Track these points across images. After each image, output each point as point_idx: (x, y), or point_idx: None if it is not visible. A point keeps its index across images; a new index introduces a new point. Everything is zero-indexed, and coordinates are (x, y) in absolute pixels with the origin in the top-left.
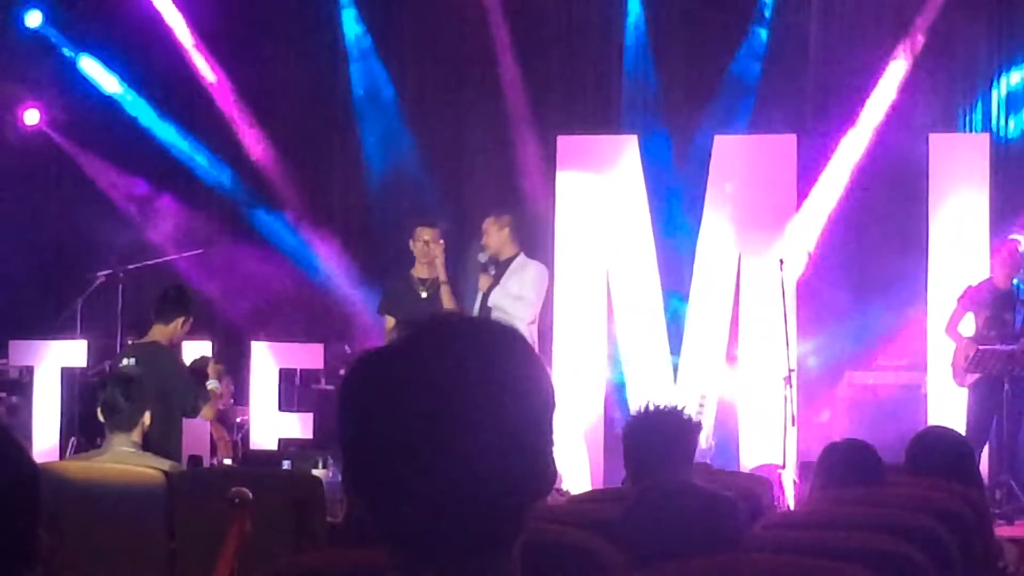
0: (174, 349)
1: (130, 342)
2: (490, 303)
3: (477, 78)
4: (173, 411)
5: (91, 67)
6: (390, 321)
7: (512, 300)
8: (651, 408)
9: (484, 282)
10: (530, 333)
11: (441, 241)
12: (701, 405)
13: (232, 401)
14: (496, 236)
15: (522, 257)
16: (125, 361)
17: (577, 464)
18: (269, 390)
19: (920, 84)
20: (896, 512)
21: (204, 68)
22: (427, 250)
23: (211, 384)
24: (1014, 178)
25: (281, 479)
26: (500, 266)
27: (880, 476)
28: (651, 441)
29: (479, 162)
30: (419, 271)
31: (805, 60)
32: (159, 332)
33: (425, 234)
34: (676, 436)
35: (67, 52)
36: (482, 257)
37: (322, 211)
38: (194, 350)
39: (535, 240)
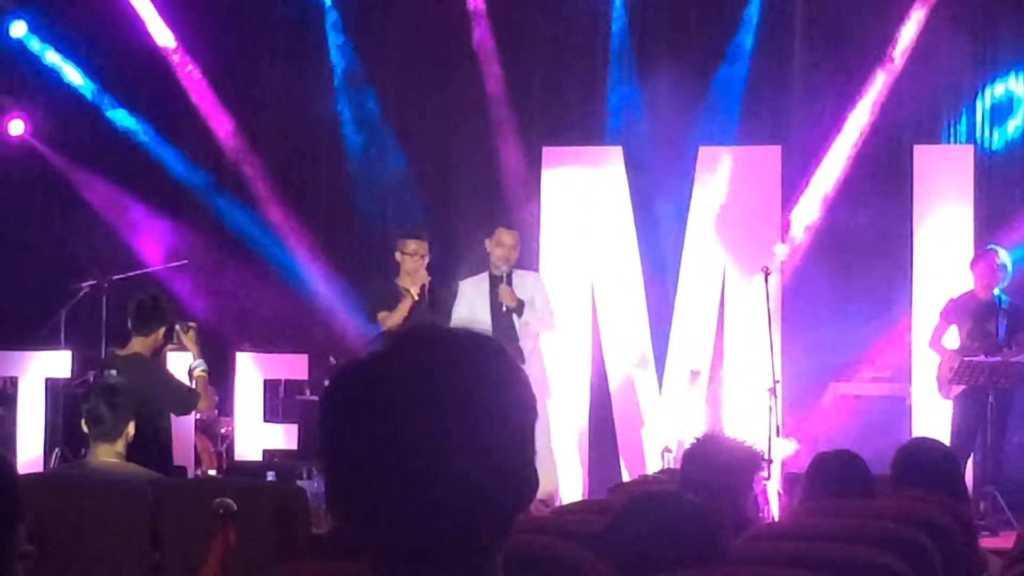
0: (156, 357)
1: (116, 352)
2: (522, 318)
3: (462, 89)
4: (161, 422)
5: (76, 77)
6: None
7: (537, 314)
8: (714, 436)
9: (510, 297)
10: (536, 342)
11: (426, 255)
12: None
13: (216, 412)
14: (517, 248)
15: (516, 270)
16: (108, 374)
17: (561, 475)
18: (254, 401)
19: (904, 95)
20: (880, 524)
21: (189, 78)
22: (414, 262)
23: (197, 368)
24: (998, 189)
25: (265, 490)
26: (507, 280)
27: (869, 488)
28: (715, 469)
29: (464, 173)
30: (404, 282)
31: (790, 71)
32: (140, 344)
33: (413, 247)
34: (741, 467)
35: (52, 63)
36: (504, 269)
37: (307, 222)
38: (179, 361)
39: (521, 251)
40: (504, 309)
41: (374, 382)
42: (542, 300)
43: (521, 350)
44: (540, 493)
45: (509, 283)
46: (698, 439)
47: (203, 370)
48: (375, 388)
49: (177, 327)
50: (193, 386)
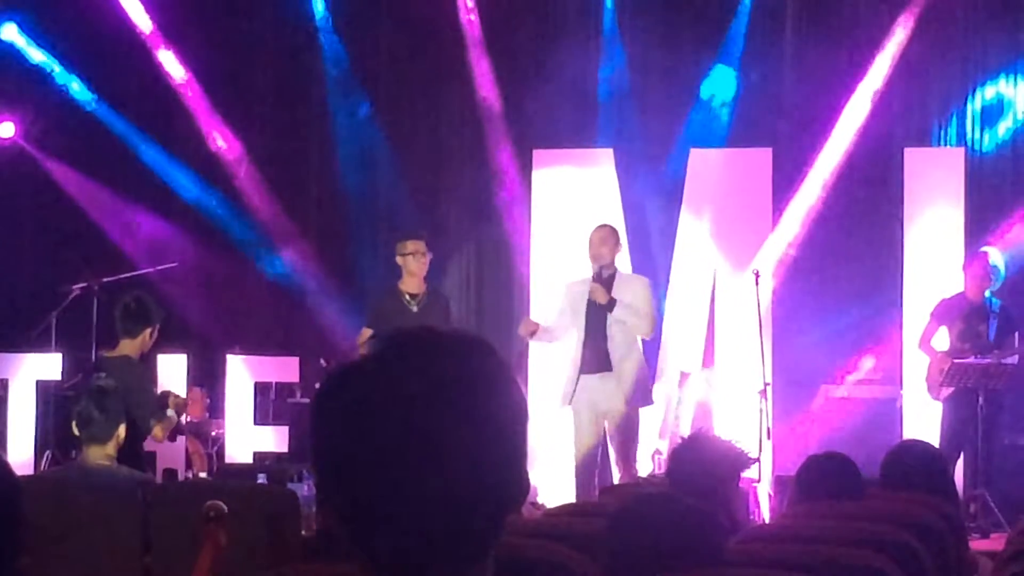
0: (143, 363)
1: (104, 354)
2: (614, 316)
3: (453, 92)
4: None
5: (66, 80)
6: (366, 334)
7: (635, 316)
8: (701, 436)
9: (601, 294)
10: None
11: (429, 253)
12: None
13: (207, 414)
14: (613, 248)
15: (620, 271)
16: (97, 376)
17: (553, 478)
18: (244, 403)
19: (895, 98)
20: (871, 526)
21: (181, 81)
22: (416, 263)
23: (169, 412)
24: (988, 192)
25: (256, 493)
26: (605, 280)
27: (859, 490)
28: (701, 469)
29: (455, 175)
30: (407, 285)
31: (781, 74)
32: (128, 346)
33: (412, 247)
34: (729, 468)
35: (42, 65)
36: (595, 266)
37: (298, 224)
38: (169, 363)
39: (511, 253)
40: (598, 307)
41: (366, 385)
42: (640, 302)
43: (608, 352)
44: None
45: (610, 282)
46: (685, 438)
47: (171, 415)
48: (367, 391)
49: (171, 399)
50: (166, 412)
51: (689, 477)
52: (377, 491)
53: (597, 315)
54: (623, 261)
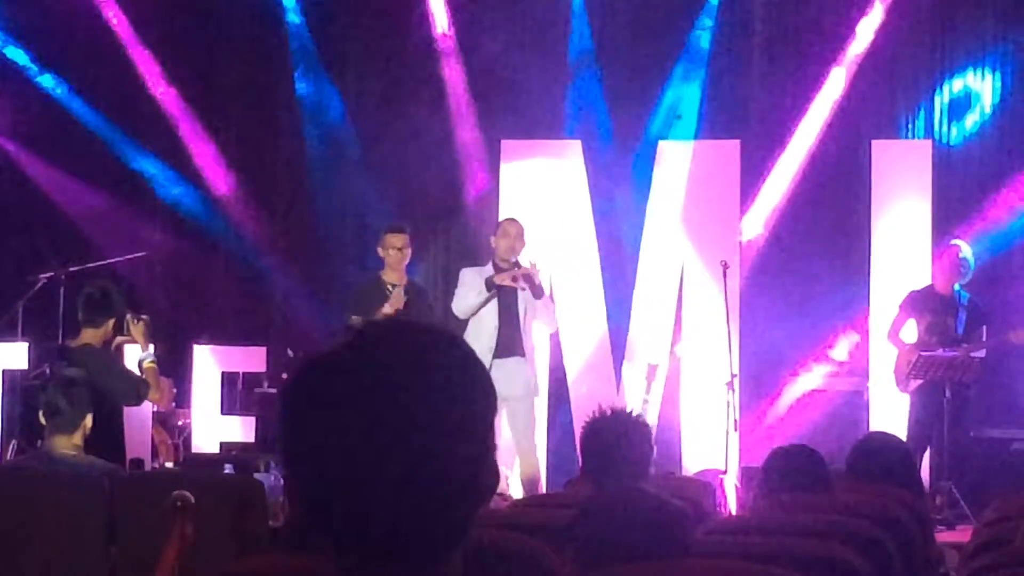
0: (107, 348)
1: (67, 344)
2: (526, 305)
3: (421, 83)
4: (113, 413)
5: (37, 71)
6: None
7: (544, 309)
8: (606, 411)
9: (528, 277)
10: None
11: (409, 247)
12: (645, 401)
13: (174, 404)
14: (521, 239)
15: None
16: (60, 365)
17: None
18: (211, 393)
19: (863, 91)
20: (838, 518)
21: (153, 75)
22: (399, 256)
23: (145, 360)
24: (956, 184)
25: (223, 483)
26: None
27: (826, 482)
28: (609, 442)
29: (423, 166)
30: (389, 276)
31: (749, 66)
32: (90, 335)
33: (396, 240)
34: (633, 438)
35: (12, 56)
36: (512, 258)
37: (265, 214)
38: (135, 352)
39: (479, 244)
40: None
41: (335, 375)
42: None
43: (521, 337)
44: (523, 478)
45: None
46: (585, 427)
47: (151, 361)
48: (336, 381)
49: (128, 317)
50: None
51: (598, 452)
52: (345, 481)
53: (510, 301)
54: (591, 254)
